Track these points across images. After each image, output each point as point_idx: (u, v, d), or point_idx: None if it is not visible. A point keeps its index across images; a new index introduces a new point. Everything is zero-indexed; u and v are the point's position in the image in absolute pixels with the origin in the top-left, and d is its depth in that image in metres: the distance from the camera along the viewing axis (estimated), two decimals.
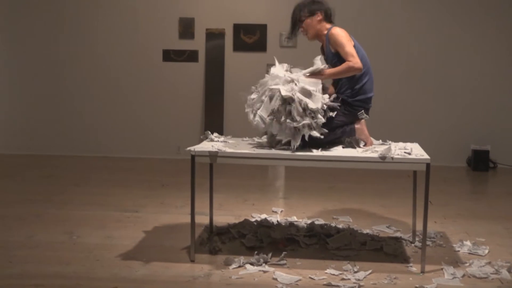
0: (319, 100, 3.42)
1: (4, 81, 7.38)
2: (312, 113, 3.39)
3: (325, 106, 3.45)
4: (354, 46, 3.63)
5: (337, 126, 3.60)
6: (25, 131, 7.43)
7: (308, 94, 3.42)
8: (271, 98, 3.44)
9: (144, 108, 7.31)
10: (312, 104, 3.38)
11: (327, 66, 3.60)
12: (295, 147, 3.43)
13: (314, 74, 3.55)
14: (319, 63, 3.59)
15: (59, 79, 7.35)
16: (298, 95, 3.38)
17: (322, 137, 3.44)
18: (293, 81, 3.46)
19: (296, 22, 3.77)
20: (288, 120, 3.38)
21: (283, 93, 3.38)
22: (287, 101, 3.39)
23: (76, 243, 3.83)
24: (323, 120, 3.43)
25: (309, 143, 3.46)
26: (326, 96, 3.53)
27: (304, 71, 3.57)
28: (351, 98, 3.67)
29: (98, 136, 7.36)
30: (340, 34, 3.62)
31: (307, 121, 3.36)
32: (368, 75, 3.71)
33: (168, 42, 7.20)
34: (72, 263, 3.47)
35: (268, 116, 3.43)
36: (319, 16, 3.74)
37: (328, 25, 3.77)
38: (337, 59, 3.63)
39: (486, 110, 6.94)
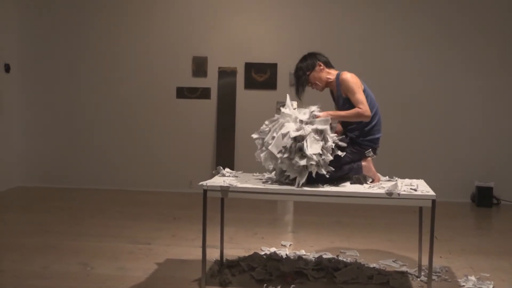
0: (328, 140, 3.51)
1: (22, 115, 7.54)
2: (320, 151, 3.46)
3: (333, 145, 3.53)
4: (364, 91, 3.74)
5: (344, 163, 3.69)
6: (42, 164, 7.58)
7: (318, 133, 3.50)
8: (282, 136, 3.50)
9: (158, 143, 7.44)
10: (320, 144, 3.45)
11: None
12: (300, 183, 3.47)
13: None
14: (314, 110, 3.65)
15: (76, 115, 7.52)
16: (309, 135, 3.46)
17: (328, 176, 3.49)
18: (303, 120, 3.55)
19: (304, 82, 3.86)
20: (296, 158, 3.45)
21: (293, 134, 3.45)
22: (297, 139, 3.47)
23: (89, 274, 3.88)
24: (331, 158, 3.49)
25: (317, 179, 3.52)
26: (335, 135, 3.61)
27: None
28: (360, 138, 3.78)
29: (113, 170, 7.49)
30: (351, 80, 3.73)
31: (315, 158, 3.42)
32: (377, 117, 3.82)
33: (182, 80, 7.37)
34: None
35: (278, 152, 3.48)
36: (320, 66, 3.87)
37: (333, 71, 3.90)
38: (348, 104, 3.75)
39: (489, 147, 7.01)
